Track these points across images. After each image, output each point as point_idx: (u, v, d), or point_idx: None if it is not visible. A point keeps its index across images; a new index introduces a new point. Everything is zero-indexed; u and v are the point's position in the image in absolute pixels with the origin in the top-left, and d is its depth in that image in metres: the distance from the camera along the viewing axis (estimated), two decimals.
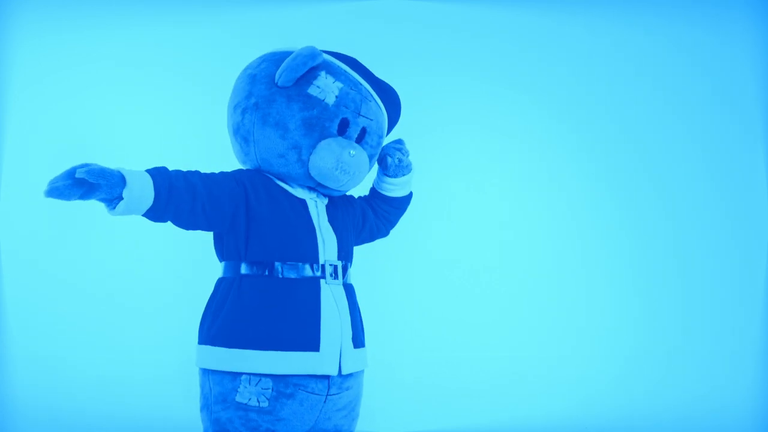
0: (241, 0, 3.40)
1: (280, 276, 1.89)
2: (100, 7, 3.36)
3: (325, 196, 2.02)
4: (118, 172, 1.75)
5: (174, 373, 3.28)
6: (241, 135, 1.97)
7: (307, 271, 1.90)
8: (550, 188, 3.41)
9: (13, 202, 3.27)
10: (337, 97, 1.91)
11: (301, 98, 1.91)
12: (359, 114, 1.94)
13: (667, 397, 3.29)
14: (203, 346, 1.93)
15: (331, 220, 1.99)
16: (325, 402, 1.91)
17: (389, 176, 2.16)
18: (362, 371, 2.04)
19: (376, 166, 2.19)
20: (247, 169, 2.00)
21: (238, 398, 1.86)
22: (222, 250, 1.99)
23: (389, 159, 2.11)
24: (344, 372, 1.91)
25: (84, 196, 1.72)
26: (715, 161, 3.38)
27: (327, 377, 1.89)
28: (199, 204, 1.85)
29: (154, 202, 1.79)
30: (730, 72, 3.36)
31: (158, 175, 1.81)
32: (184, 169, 1.90)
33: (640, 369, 3.33)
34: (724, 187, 3.37)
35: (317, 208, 1.98)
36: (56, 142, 3.30)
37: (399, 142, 2.16)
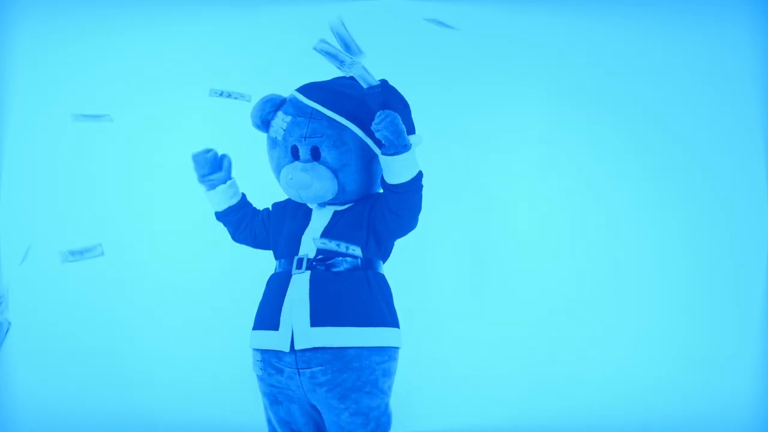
0: (242, 1, 3.40)
1: (275, 271, 2.28)
2: (101, 6, 3.36)
3: (343, 204, 2.29)
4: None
5: (174, 374, 3.29)
6: None
7: (286, 265, 2.24)
8: (550, 188, 3.42)
9: (13, 202, 3.28)
10: (284, 130, 2.25)
11: (269, 141, 2.31)
12: (305, 137, 2.22)
13: (666, 397, 3.30)
14: None
15: (331, 223, 2.26)
16: (299, 375, 2.16)
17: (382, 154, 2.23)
18: (348, 348, 2.16)
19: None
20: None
21: (253, 369, 2.26)
22: None
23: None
24: (297, 347, 2.15)
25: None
26: (714, 161, 3.38)
27: (294, 352, 2.16)
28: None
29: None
30: (729, 71, 3.35)
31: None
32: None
33: (638, 369, 3.34)
34: (723, 187, 3.37)
35: (322, 215, 2.28)
36: (56, 142, 3.31)
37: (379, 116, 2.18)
